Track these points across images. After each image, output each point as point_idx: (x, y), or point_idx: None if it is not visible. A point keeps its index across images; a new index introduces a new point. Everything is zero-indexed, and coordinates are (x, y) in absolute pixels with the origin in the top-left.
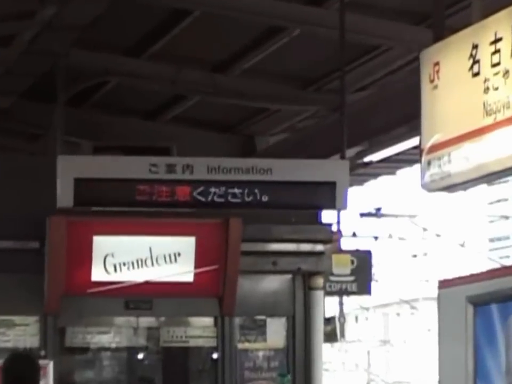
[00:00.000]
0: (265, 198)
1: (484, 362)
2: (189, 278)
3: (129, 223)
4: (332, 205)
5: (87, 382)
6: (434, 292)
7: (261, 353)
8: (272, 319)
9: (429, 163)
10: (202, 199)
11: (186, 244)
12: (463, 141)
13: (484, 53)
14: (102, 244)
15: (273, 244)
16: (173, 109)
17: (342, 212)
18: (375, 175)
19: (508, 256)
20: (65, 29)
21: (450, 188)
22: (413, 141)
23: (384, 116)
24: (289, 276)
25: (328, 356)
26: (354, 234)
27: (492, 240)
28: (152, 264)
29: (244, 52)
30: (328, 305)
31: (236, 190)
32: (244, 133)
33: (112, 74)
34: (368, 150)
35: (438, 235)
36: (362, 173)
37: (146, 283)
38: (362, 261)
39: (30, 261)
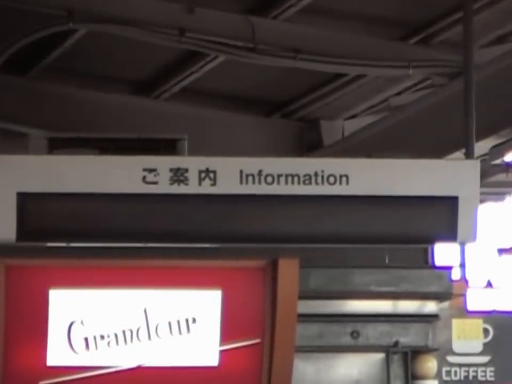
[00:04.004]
0: (337, 225)
1: None
2: (212, 360)
3: (109, 269)
4: (451, 236)
5: None
6: None
7: None
8: None
9: None
10: (232, 227)
11: (206, 303)
12: None
13: None
14: (64, 303)
15: (353, 303)
16: (179, 76)
17: (468, 247)
18: None
19: None
20: None
21: None
22: None
23: None
24: (379, 356)
25: None
26: (489, 285)
27: None
28: (149, 337)
29: None
30: None
31: (288, 212)
32: (300, 116)
33: (79, 19)
34: (509, 143)
35: None
36: (501, 181)
37: (140, 370)
38: (504, 331)
39: None
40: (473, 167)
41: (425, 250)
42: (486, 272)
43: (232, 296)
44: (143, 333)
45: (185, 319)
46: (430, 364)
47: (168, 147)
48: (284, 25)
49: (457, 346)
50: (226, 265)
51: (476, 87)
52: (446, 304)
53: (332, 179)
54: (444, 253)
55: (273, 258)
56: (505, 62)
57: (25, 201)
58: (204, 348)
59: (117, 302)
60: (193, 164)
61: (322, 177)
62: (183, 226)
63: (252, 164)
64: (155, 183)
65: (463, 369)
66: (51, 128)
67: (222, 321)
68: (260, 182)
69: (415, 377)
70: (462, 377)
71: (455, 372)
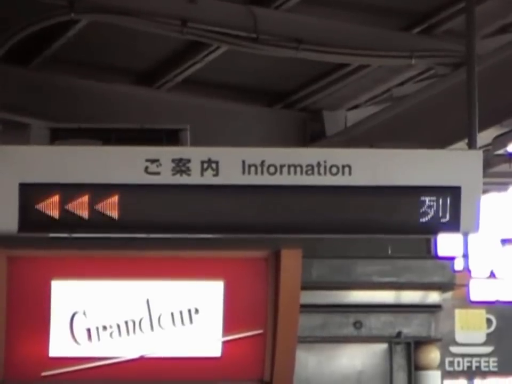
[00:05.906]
0: (340, 216)
1: None
2: (214, 350)
3: (111, 260)
4: (454, 226)
5: None
6: None
7: None
8: None
9: None
10: (235, 218)
11: (208, 294)
12: None
13: None
14: (66, 294)
15: (356, 293)
16: (182, 67)
17: (471, 237)
18: None
19: None
20: None
21: None
22: None
23: None
24: (382, 347)
25: None
26: (492, 275)
27: None
28: (152, 328)
29: None
30: None
31: (291, 203)
32: (303, 106)
33: (81, 9)
34: None
35: None
36: (504, 171)
37: (142, 360)
38: (507, 321)
39: None
40: (476, 157)
41: (428, 241)
42: (489, 262)
43: (235, 286)
44: (145, 323)
45: (188, 310)
46: (432, 354)
47: (171, 137)
48: (286, 15)
49: (460, 336)
50: (229, 255)
51: (479, 77)
52: (449, 294)
53: (334, 169)
54: (446, 243)
55: (275, 249)
56: (508, 51)
57: (27, 192)
58: (206, 338)
59: (120, 292)
60: (195, 154)
61: (325, 167)
62: (185, 217)
63: (254, 154)
64: (157, 173)
65: (466, 359)
66: (53, 118)
67: (224, 311)
68: (262, 173)
69: (418, 367)
70: (465, 368)
71: (458, 362)
